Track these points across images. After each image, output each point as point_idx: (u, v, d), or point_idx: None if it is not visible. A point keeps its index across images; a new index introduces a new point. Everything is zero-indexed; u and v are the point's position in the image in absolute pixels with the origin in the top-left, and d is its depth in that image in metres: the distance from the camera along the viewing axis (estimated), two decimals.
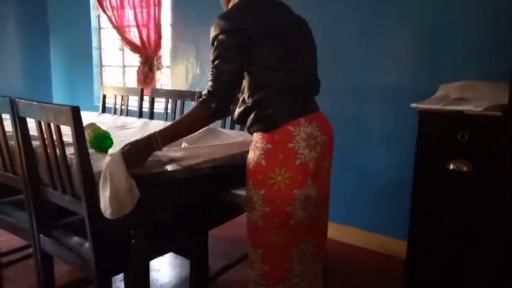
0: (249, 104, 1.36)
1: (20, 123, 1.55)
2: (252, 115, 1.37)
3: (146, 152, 1.36)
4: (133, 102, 3.13)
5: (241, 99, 1.43)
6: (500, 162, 1.56)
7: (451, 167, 1.62)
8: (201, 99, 1.35)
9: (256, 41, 1.31)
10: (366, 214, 2.66)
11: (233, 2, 1.42)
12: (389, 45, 2.44)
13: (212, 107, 1.32)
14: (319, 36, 2.81)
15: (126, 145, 1.33)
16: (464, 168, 1.60)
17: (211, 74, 1.34)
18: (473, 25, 2.15)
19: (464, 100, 1.75)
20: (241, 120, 1.44)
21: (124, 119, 2.65)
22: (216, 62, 1.32)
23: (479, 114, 1.57)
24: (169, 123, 2.48)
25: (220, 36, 1.30)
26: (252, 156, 1.39)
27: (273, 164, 1.33)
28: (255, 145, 1.38)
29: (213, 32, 1.34)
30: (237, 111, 1.44)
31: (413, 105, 1.74)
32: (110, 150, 1.45)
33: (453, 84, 1.97)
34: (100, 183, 1.27)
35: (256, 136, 1.39)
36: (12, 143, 1.64)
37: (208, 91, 1.33)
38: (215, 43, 1.33)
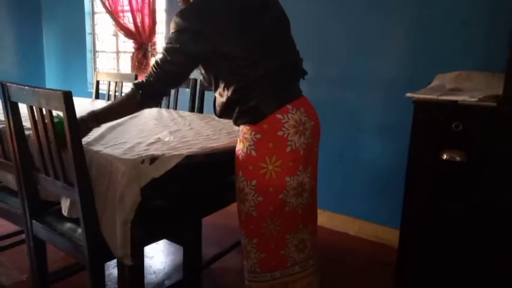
0: (229, 99, 1.35)
1: (11, 108, 1.53)
2: (237, 109, 1.36)
3: (86, 128, 1.45)
4: (127, 89, 3.10)
5: (216, 94, 1.43)
6: (494, 153, 1.57)
7: (444, 156, 1.63)
8: (133, 87, 1.40)
9: (216, 38, 1.29)
10: (359, 203, 2.67)
11: None
12: (384, 34, 2.43)
13: (138, 100, 1.39)
14: (314, 25, 2.80)
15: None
16: (458, 158, 1.61)
17: (152, 66, 1.37)
18: (469, 15, 2.14)
19: (459, 90, 1.75)
20: (225, 114, 1.43)
21: None
22: (162, 58, 1.35)
23: (473, 105, 1.57)
24: (163, 110, 2.48)
25: (175, 35, 1.31)
26: (241, 147, 1.38)
27: (264, 153, 1.33)
28: (243, 136, 1.37)
29: (171, 29, 1.34)
30: (218, 107, 1.43)
31: (408, 94, 1.73)
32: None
33: (449, 74, 1.97)
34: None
35: (244, 127, 1.38)
36: (3, 127, 1.63)
37: (142, 82, 1.39)
38: (169, 40, 1.33)
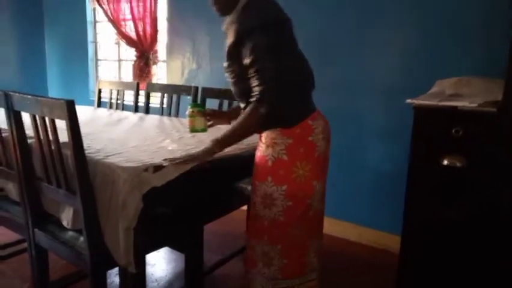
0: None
1: (14, 117, 1.54)
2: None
3: (211, 154, 1.44)
4: (129, 97, 3.12)
5: (244, 100, 1.41)
6: (494, 158, 1.57)
7: (445, 162, 1.63)
8: (251, 104, 1.33)
9: (282, 49, 1.34)
10: (360, 209, 2.67)
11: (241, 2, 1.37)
12: (385, 41, 2.44)
13: (262, 113, 1.32)
14: (315, 31, 2.81)
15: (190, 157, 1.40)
16: (458, 164, 1.61)
17: (255, 79, 1.31)
18: (469, 21, 2.15)
19: (459, 96, 1.76)
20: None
21: (119, 114, 2.65)
22: (257, 64, 1.30)
23: (473, 110, 1.57)
24: (165, 118, 2.49)
25: (255, 35, 1.29)
26: (270, 152, 1.39)
27: (295, 158, 1.37)
28: (272, 142, 1.39)
29: (241, 30, 1.31)
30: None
31: (409, 100, 1.74)
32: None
33: (448, 80, 1.98)
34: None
35: (273, 133, 1.39)
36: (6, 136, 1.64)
37: (257, 98, 1.31)
38: (248, 42, 1.29)
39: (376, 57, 2.48)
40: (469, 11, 2.14)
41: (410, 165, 1.74)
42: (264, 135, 1.43)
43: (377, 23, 2.45)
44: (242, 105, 1.47)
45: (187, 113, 1.69)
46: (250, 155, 1.66)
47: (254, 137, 1.79)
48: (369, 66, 2.51)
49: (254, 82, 1.32)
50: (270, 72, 1.29)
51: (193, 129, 1.68)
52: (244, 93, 1.40)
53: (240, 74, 1.38)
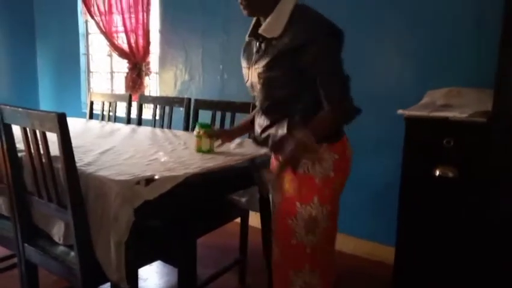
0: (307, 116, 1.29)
1: (4, 129, 1.52)
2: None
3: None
4: (121, 109, 3.10)
5: (274, 110, 1.34)
6: (485, 168, 1.58)
7: (437, 173, 1.64)
8: (331, 110, 1.29)
9: None
10: (354, 220, 2.66)
11: (287, 7, 1.29)
12: (376, 51, 2.47)
13: (342, 122, 1.36)
14: None
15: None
16: (450, 174, 1.62)
17: (334, 86, 1.28)
18: (458, 33, 2.18)
19: (449, 106, 1.78)
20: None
21: (111, 126, 2.63)
22: (335, 72, 1.29)
23: (464, 121, 1.59)
24: (157, 129, 2.48)
25: (329, 41, 1.26)
26: (318, 169, 1.30)
27: (339, 174, 1.34)
28: (318, 158, 1.30)
29: (310, 35, 1.24)
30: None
31: (400, 111, 1.75)
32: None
33: (439, 90, 2.00)
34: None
35: (319, 148, 1.30)
36: None
37: (336, 100, 1.29)
38: (320, 49, 1.24)
39: (366, 68, 2.50)
40: (459, 22, 2.17)
41: (403, 176, 1.75)
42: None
43: (368, 34, 2.47)
44: (262, 116, 1.39)
45: (194, 133, 1.72)
46: (244, 166, 1.65)
47: (249, 149, 1.79)
48: (360, 77, 2.51)
49: (331, 87, 1.28)
50: (342, 81, 1.29)
51: (199, 150, 1.72)
52: (278, 101, 1.33)
53: (282, 81, 1.30)
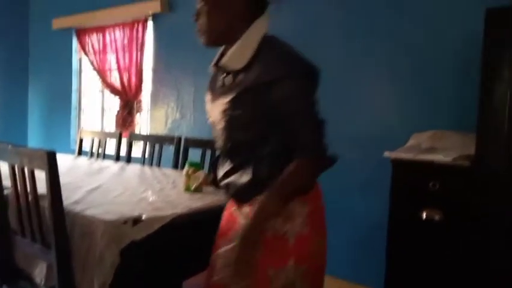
0: (272, 166, 1.12)
1: None
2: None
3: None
4: (111, 146, 3.10)
5: (239, 153, 1.17)
6: (470, 211, 1.61)
7: (424, 216, 1.65)
8: (304, 159, 1.09)
9: None
10: (340, 263, 2.63)
11: (255, 37, 1.13)
12: (363, 94, 2.54)
13: (317, 168, 1.12)
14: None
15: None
16: (436, 217, 1.64)
17: (306, 127, 1.10)
18: (441, 78, 2.27)
19: (434, 149, 1.82)
20: (254, 187, 1.13)
21: (100, 163, 2.62)
22: (308, 112, 1.12)
23: (448, 164, 1.63)
24: (146, 167, 2.48)
25: (303, 79, 1.11)
26: (289, 227, 1.11)
27: (316, 228, 1.16)
28: (289, 213, 1.11)
29: (280, 71, 1.08)
30: (251, 175, 1.14)
31: (386, 153, 1.79)
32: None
33: (424, 133, 2.05)
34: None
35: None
36: None
37: (312, 150, 1.09)
38: (292, 86, 1.08)
39: (352, 111, 2.56)
40: (444, 66, 2.26)
41: (390, 218, 1.76)
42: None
43: (354, 77, 2.55)
44: (225, 158, 1.22)
45: (183, 171, 1.70)
46: None
47: None
48: (346, 119, 2.58)
49: (303, 132, 1.09)
50: (315, 123, 1.12)
51: (187, 189, 1.70)
52: (242, 143, 1.16)
53: (247, 121, 1.13)
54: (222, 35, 1.15)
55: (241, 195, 1.19)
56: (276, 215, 1.09)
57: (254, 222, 1.07)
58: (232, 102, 1.13)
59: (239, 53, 1.13)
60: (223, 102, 1.16)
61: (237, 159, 1.18)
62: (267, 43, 1.12)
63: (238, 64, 1.13)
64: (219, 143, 1.23)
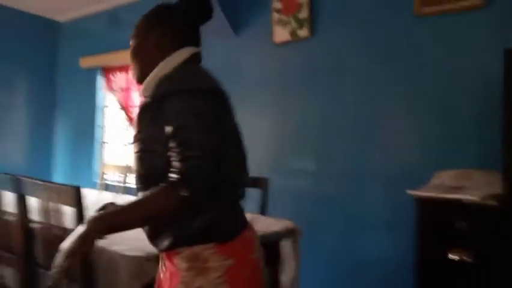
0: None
1: (20, 200, 1.56)
2: (196, 221, 0.96)
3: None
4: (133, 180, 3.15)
5: (149, 185, 1.01)
6: (501, 252, 1.55)
7: (452, 256, 1.61)
8: (166, 184, 0.93)
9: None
10: None
11: (168, 66, 1.06)
12: (385, 131, 2.53)
13: (181, 197, 0.91)
14: (316, 120, 2.91)
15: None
16: (465, 258, 1.59)
17: (178, 152, 0.93)
18: (463, 115, 2.25)
19: (460, 188, 1.79)
20: (160, 231, 1.01)
21: (123, 198, 2.66)
22: (183, 133, 0.94)
23: (476, 203, 1.59)
24: None
25: (182, 96, 0.97)
26: (200, 283, 0.95)
27: (239, 287, 0.98)
28: (202, 265, 0.96)
29: (161, 90, 1.01)
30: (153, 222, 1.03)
31: (409, 192, 1.77)
32: None
33: (448, 172, 2.02)
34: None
35: (204, 251, 0.96)
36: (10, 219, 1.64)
37: (177, 177, 0.91)
38: (172, 105, 0.97)
39: (376, 147, 2.55)
40: (467, 104, 2.23)
41: (416, 259, 1.71)
42: (183, 255, 0.98)
43: (377, 113, 2.56)
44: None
45: None
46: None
47: (261, 226, 1.78)
48: (368, 156, 2.57)
49: (176, 156, 0.93)
50: (199, 144, 0.93)
51: None
52: (151, 174, 1.02)
53: (147, 148, 1.02)
54: (145, 74, 1.10)
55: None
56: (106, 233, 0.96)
57: (89, 226, 0.95)
58: (136, 136, 1.05)
59: (147, 82, 1.07)
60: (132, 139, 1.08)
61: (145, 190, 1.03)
62: (179, 69, 1.05)
63: (146, 92, 1.08)
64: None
